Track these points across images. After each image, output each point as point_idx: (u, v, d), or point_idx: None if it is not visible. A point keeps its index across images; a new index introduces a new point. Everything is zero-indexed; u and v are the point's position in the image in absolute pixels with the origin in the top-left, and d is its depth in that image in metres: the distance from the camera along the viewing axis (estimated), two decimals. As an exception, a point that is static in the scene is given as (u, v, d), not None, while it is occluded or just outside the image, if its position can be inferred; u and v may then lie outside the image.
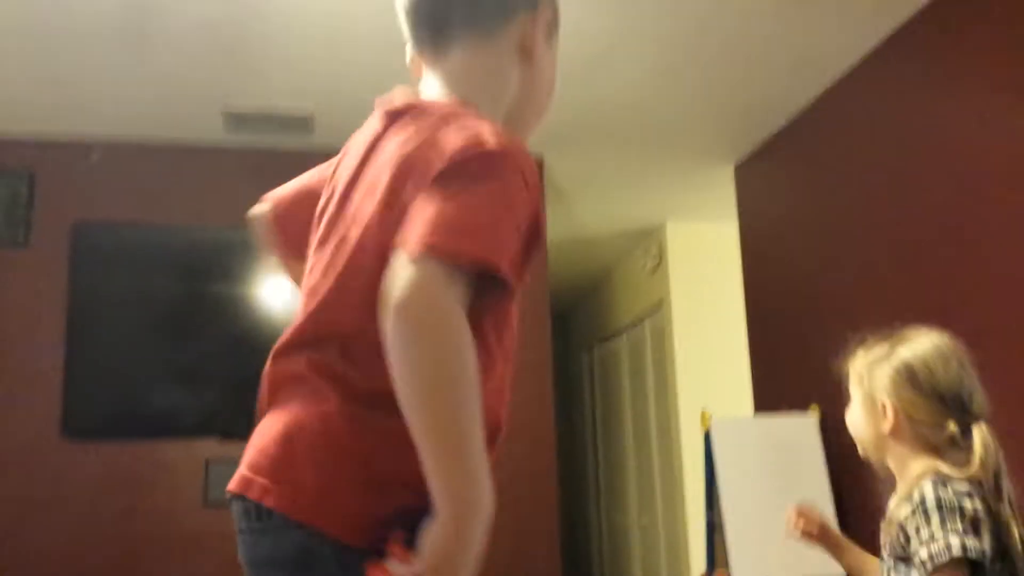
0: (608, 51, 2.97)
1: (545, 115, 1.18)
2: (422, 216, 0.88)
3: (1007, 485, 1.37)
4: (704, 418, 3.20)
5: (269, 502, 0.92)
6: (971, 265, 2.52)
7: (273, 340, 1.09)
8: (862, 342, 1.53)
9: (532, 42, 1.11)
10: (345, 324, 0.96)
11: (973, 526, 1.31)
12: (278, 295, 3.50)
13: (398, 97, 1.10)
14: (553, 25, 1.15)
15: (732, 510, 3.02)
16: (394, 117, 1.07)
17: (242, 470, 0.98)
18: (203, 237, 3.56)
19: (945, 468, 1.38)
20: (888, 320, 2.86)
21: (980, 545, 1.30)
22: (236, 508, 0.97)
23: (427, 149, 0.96)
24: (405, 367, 0.84)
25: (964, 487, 1.35)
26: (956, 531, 1.30)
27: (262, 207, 1.24)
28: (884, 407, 1.45)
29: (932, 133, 2.68)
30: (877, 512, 3.01)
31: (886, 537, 1.43)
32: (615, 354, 5.90)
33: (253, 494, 0.94)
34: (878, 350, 1.50)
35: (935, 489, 1.35)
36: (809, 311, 3.42)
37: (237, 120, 3.39)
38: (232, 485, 0.98)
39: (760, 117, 3.55)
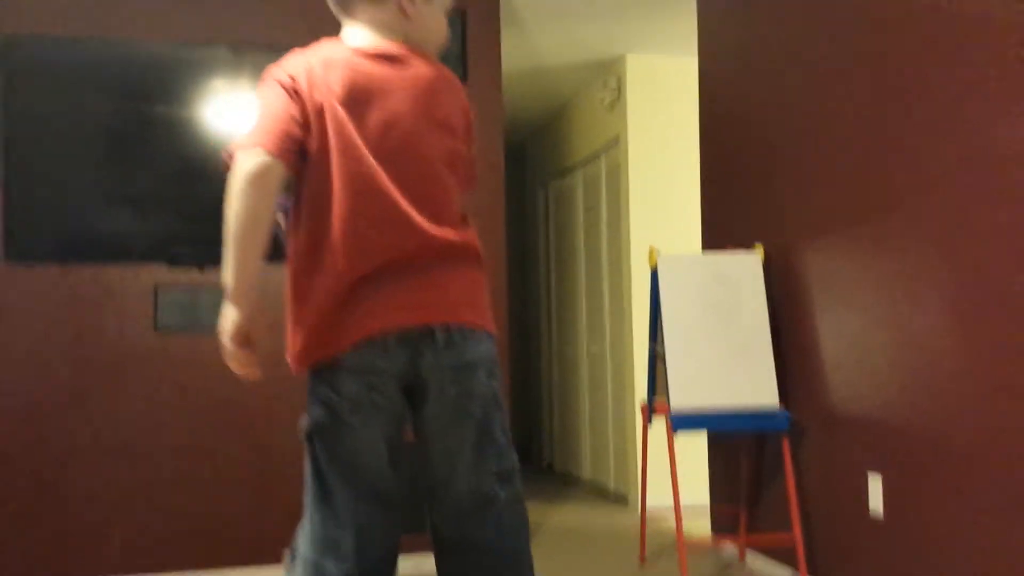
0: None
1: (439, 46, 1.64)
2: None
3: None
4: (652, 254, 3.25)
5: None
6: (947, 113, 2.50)
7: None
8: None
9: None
10: None
11: None
12: (226, 120, 3.39)
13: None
14: None
15: (674, 342, 3.14)
16: None
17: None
18: (151, 52, 3.38)
19: None
20: (843, 164, 2.88)
21: None
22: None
23: None
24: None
25: None
26: None
27: None
28: None
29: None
30: (810, 346, 3.14)
31: None
32: (571, 189, 5.90)
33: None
34: None
35: None
36: (762, 151, 3.42)
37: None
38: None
39: (729, -56, 3.40)
